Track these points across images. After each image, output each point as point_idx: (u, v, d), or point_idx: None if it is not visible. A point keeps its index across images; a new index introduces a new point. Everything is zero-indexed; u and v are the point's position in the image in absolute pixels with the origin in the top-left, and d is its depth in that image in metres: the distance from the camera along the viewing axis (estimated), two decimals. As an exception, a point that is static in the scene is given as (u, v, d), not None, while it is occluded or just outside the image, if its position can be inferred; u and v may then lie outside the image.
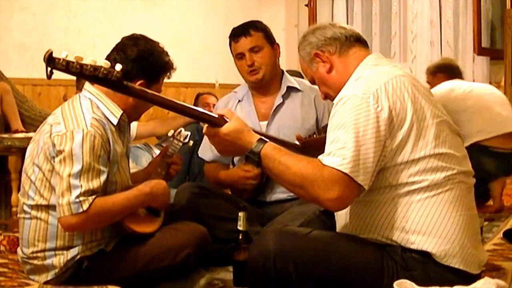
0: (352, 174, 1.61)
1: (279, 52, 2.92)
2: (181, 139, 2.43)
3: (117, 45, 2.23)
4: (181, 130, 2.46)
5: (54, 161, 2.03)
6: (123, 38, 2.25)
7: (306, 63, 1.95)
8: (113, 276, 2.11)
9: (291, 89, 2.88)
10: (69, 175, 1.98)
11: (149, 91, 1.78)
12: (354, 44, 1.90)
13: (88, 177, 1.99)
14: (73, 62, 1.60)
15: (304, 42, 1.95)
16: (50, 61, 1.58)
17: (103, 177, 2.03)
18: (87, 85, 2.19)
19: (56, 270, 2.09)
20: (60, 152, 2.01)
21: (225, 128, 1.75)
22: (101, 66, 1.63)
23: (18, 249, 2.20)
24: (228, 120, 1.77)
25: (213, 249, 2.33)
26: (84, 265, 2.11)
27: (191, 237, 2.21)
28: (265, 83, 2.86)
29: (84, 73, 1.62)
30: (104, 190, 2.06)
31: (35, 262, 2.11)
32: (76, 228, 2.02)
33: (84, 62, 1.61)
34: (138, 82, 2.13)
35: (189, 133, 2.47)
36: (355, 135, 1.64)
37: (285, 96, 2.87)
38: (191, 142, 2.47)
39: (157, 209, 2.24)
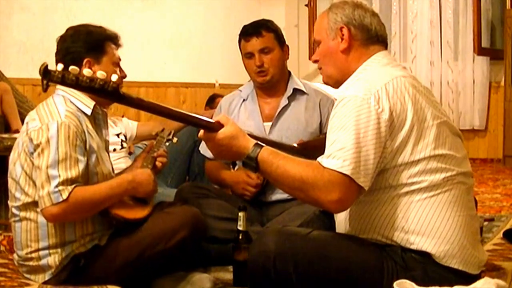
0: (353, 176, 1.61)
1: (288, 53, 2.91)
2: (165, 136, 2.45)
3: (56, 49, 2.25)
4: (163, 129, 2.48)
5: (33, 157, 2.05)
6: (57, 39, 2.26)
7: (328, 27, 1.87)
8: (111, 269, 2.11)
9: (296, 91, 2.87)
10: (47, 166, 2.00)
11: (145, 99, 1.79)
12: (378, 43, 1.87)
13: (66, 166, 2.01)
14: (68, 74, 1.61)
15: (339, 8, 1.87)
16: (46, 74, 1.60)
17: (81, 166, 2.04)
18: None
19: (53, 270, 2.09)
20: (37, 145, 2.04)
21: (220, 134, 1.75)
22: (97, 77, 1.64)
23: (14, 254, 2.21)
24: (224, 125, 1.77)
25: (207, 230, 2.33)
26: (81, 263, 2.11)
27: (184, 219, 2.20)
28: (272, 84, 2.85)
29: (80, 85, 1.63)
30: (86, 181, 2.07)
31: (31, 263, 2.12)
32: (58, 218, 2.02)
33: (79, 73, 1.62)
34: (85, 61, 2.17)
35: (172, 131, 2.49)
36: (356, 136, 1.63)
37: (290, 98, 2.85)
38: (176, 139, 2.48)
39: (144, 198, 2.24)
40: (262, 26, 2.84)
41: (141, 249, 2.14)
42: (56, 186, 1.99)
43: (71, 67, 1.62)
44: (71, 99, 2.16)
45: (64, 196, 1.98)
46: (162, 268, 2.21)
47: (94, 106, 2.17)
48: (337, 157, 1.62)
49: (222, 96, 4.46)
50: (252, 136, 1.81)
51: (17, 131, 3.74)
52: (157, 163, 2.38)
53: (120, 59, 2.29)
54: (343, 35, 1.85)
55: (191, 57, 6.41)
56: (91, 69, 2.16)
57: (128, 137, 3.69)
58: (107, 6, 5.57)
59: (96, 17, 5.41)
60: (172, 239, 2.16)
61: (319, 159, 1.66)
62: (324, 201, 1.62)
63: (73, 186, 2.00)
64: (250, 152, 1.72)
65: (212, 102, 4.38)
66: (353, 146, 1.62)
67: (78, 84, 1.62)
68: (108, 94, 1.67)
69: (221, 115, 1.82)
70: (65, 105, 2.12)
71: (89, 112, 2.16)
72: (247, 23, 2.91)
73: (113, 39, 2.27)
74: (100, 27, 2.27)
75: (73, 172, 2.01)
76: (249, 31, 2.84)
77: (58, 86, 2.20)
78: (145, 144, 4.15)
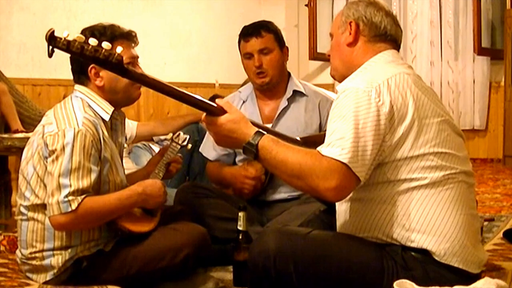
0: (351, 164, 1.61)
1: (288, 55, 2.89)
2: (180, 141, 2.43)
3: None
4: (179, 133, 2.45)
5: (47, 161, 2.04)
6: None
7: (340, 21, 1.92)
8: (112, 276, 2.11)
9: (296, 93, 2.86)
10: (59, 175, 1.99)
11: (149, 75, 1.76)
12: (386, 41, 1.88)
13: (78, 175, 1.99)
14: (74, 42, 1.60)
15: (354, 4, 1.91)
16: (52, 39, 1.58)
17: (93, 176, 2.03)
18: (77, 85, 2.19)
19: (55, 270, 2.09)
20: (53, 152, 2.02)
21: (223, 118, 1.75)
22: (103, 48, 1.62)
23: (17, 251, 2.20)
24: (226, 111, 1.77)
25: (212, 250, 2.33)
26: (83, 265, 2.11)
27: (191, 237, 2.20)
28: (271, 86, 2.84)
29: (84, 54, 1.61)
30: (97, 190, 2.05)
31: (34, 262, 2.11)
32: (65, 227, 2.02)
33: (85, 42, 1.61)
34: (89, 68, 2.12)
35: (187, 136, 2.46)
36: (355, 126, 1.64)
37: (290, 100, 2.84)
38: (190, 146, 2.46)
39: (152, 209, 2.23)
40: (262, 27, 2.83)
41: (144, 262, 2.13)
42: (66, 196, 1.97)
43: (77, 35, 1.60)
44: (89, 103, 2.13)
45: (73, 207, 1.97)
46: (164, 279, 2.21)
47: (113, 112, 2.15)
48: (336, 146, 1.63)
49: (223, 97, 4.46)
50: (254, 124, 1.81)
51: (17, 131, 3.74)
52: (171, 168, 2.38)
53: (136, 57, 2.21)
54: (351, 29, 1.87)
55: (191, 57, 6.41)
56: (98, 76, 2.14)
57: (128, 137, 3.68)
58: (107, 6, 5.57)
59: (96, 17, 5.41)
60: (177, 256, 2.15)
61: (319, 148, 1.67)
62: (322, 188, 1.62)
63: (83, 196, 1.99)
64: (251, 139, 1.72)
65: (212, 102, 4.38)
66: (352, 136, 1.63)
67: (82, 53, 1.60)
68: (111, 66, 1.66)
69: (225, 101, 1.81)
70: (83, 111, 2.09)
71: (107, 118, 2.14)
72: (247, 23, 2.91)
73: (125, 37, 2.20)
74: (112, 25, 2.19)
75: (85, 182, 2.00)
76: (249, 31, 2.82)
77: (76, 87, 2.18)
78: (144, 144, 4.16)
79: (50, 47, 1.59)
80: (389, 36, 1.88)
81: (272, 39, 2.82)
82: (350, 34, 1.88)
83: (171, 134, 2.45)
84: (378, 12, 1.88)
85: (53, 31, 1.59)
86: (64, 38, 1.59)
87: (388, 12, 1.90)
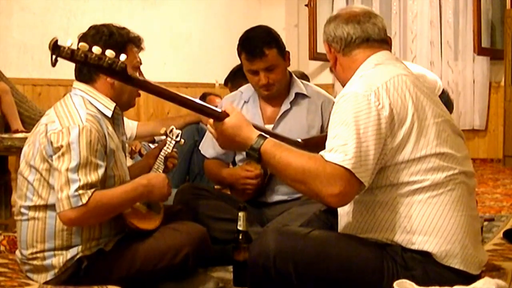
0: (354, 170, 1.61)
1: (289, 59, 2.83)
2: (173, 137, 2.43)
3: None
4: (172, 128, 2.45)
5: (51, 160, 2.03)
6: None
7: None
8: (112, 275, 2.11)
9: (298, 95, 2.84)
10: (67, 170, 1.98)
11: (152, 82, 1.78)
12: (359, 45, 1.86)
13: (86, 171, 1.99)
14: (78, 50, 1.60)
15: (326, 25, 1.94)
16: (55, 49, 1.59)
17: (101, 171, 2.03)
18: (76, 83, 2.18)
19: (56, 270, 2.09)
20: (58, 148, 2.01)
21: (226, 122, 1.77)
22: (106, 56, 1.63)
23: (17, 252, 2.20)
24: (229, 114, 1.78)
25: (212, 250, 2.33)
26: (83, 264, 2.11)
27: (190, 237, 2.20)
28: (276, 94, 2.81)
29: (88, 62, 1.62)
30: (103, 184, 2.06)
31: (35, 262, 2.11)
32: (75, 222, 2.01)
33: (89, 51, 1.61)
34: None
35: (179, 131, 2.45)
36: (356, 131, 1.64)
37: (292, 102, 2.82)
38: (183, 141, 2.46)
39: (157, 204, 2.24)
40: (264, 44, 2.69)
41: (144, 262, 2.14)
42: (76, 190, 1.97)
43: (81, 44, 1.61)
44: (90, 100, 2.13)
45: (84, 201, 1.97)
46: (164, 278, 2.21)
47: (115, 107, 2.15)
48: (339, 151, 1.63)
49: (213, 95, 4.46)
50: (257, 127, 1.81)
51: (17, 131, 3.74)
52: (168, 163, 2.39)
53: (141, 63, 2.24)
54: (329, 50, 1.93)
55: (191, 57, 6.41)
56: None
57: (128, 137, 3.68)
58: (107, 6, 5.57)
59: (96, 17, 5.41)
60: (177, 256, 2.16)
61: (322, 152, 1.67)
62: (325, 194, 1.62)
63: (92, 190, 1.99)
64: (253, 143, 1.73)
65: (203, 100, 4.38)
66: (354, 141, 1.63)
67: (86, 61, 1.62)
68: (115, 74, 1.67)
69: (228, 104, 1.82)
70: (85, 108, 2.09)
71: (109, 114, 2.14)
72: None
73: (136, 42, 2.23)
74: (123, 28, 2.21)
75: (93, 177, 2.00)
76: (252, 52, 2.70)
77: (75, 85, 2.18)
78: (144, 144, 4.16)
79: (54, 56, 1.60)
80: (357, 39, 1.86)
81: (275, 54, 2.71)
82: (330, 53, 1.93)
83: (164, 129, 2.45)
84: (339, 24, 1.89)
85: (57, 40, 1.59)
86: (68, 47, 1.60)
87: (349, 18, 1.88)
